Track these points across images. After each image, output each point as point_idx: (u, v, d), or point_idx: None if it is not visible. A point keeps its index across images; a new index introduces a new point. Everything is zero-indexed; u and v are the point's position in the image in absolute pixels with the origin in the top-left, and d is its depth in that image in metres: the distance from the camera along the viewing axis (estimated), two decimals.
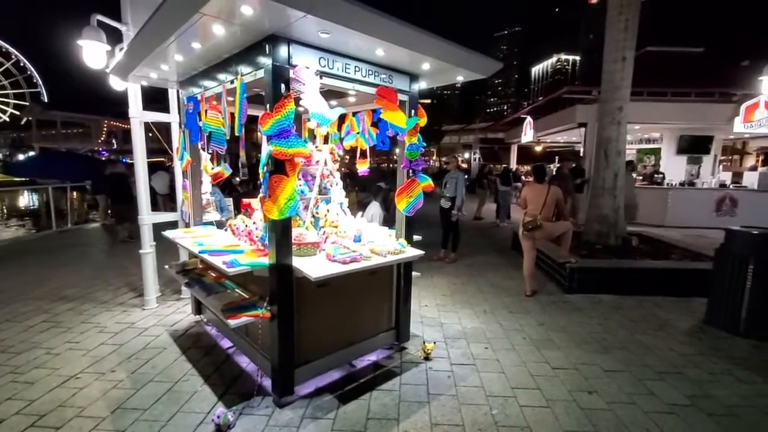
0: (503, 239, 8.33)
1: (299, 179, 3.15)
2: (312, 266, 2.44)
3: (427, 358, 3.24)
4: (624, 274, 4.94)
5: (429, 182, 3.12)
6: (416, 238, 3.38)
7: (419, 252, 2.98)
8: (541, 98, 14.35)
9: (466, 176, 20.39)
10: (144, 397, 2.70)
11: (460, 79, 3.04)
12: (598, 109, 5.92)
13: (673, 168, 12.44)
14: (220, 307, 2.57)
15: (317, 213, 3.02)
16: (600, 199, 5.94)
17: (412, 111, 3.05)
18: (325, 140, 3.63)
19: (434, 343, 3.42)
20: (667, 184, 11.42)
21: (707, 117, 11.15)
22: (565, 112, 11.27)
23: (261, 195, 2.30)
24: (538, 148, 17.57)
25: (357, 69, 2.68)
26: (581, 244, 5.92)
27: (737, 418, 2.56)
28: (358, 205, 7.37)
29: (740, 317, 3.80)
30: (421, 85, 3.23)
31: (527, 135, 12.61)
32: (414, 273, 3.47)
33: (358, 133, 3.45)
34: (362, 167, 3.55)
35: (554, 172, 11.22)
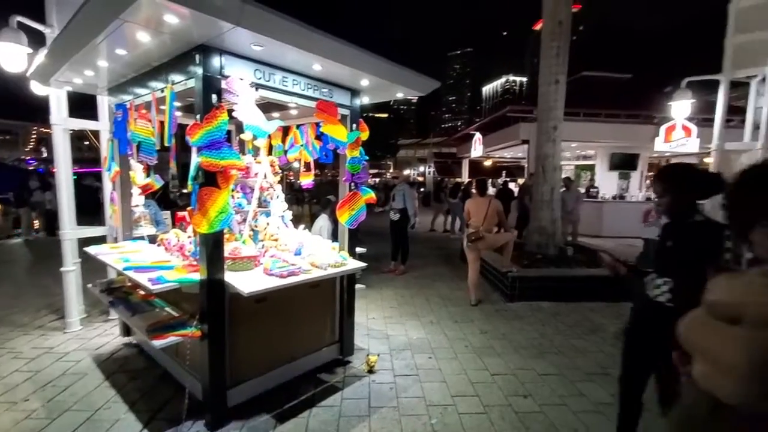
0: (452, 250, 8.56)
1: (237, 191, 3.07)
2: (246, 281, 2.37)
3: (371, 371, 3.23)
4: (561, 282, 5.25)
5: (371, 195, 3.16)
6: (360, 250, 3.40)
7: (361, 264, 2.99)
8: (486, 117, 15.16)
9: (422, 189, 20.82)
10: (60, 427, 2.46)
11: (399, 95, 3.14)
12: (536, 127, 6.33)
13: (607, 183, 13.50)
14: (145, 328, 2.42)
15: (256, 226, 2.95)
16: (539, 211, 6.30)
17: (354, 125, 3.09)
18: (269, 152, 3.58)
19: (378, 355, 3.42)
20: (602, 197, 12.35)
21: (634, 137, 12.26)
22: (509, 129, 11.95)
23: (189, 208, 2.22)
24: (488, 163, 18.44)
25: (296, 82, 2.69)
26: (523, 254, 6.22)
27: (649, 412, 2.77)
28: (311, 218, 7.30)
29: None
30: (363, 100, 3.29)
31: (477, 150, 13.22)
32: (361, 286, 3.48)
33: (301, 145, 3.44)
34: (306, 180, 3.53)
35: (501, 186, 11.78)
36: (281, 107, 3.26)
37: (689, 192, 1.81)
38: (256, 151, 3.35)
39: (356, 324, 3.67)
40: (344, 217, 3.11)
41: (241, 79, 2.31)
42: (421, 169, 29.27)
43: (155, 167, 3.02)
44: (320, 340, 3.18)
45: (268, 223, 3.03)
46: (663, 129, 12.13)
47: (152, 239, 3.47)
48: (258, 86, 2.44)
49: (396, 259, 6.59)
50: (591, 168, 14.65)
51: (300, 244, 2.96)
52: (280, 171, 3.40)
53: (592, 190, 12.07)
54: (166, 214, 4.18)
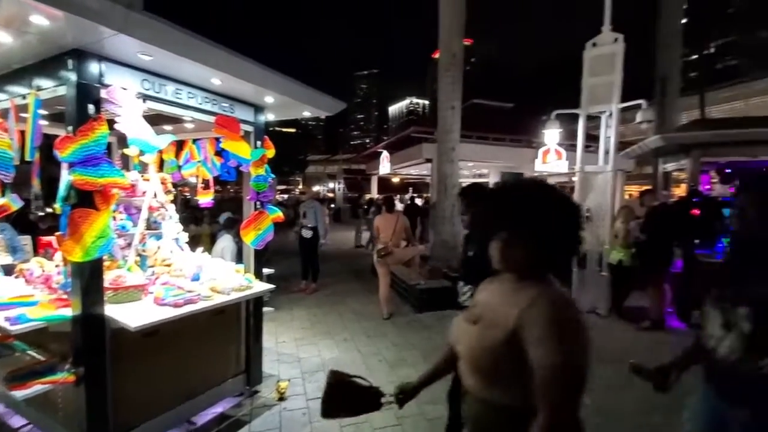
0: (364, 265, 8.68)
1: (120, 212, 2.72)
2: (133, 313, 2.10)
3: (281, 399, 3.08)
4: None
5: (279, 214, 3.07)
6: (267, 271, 3.26)
7: (269, 286, 2.86)
8: (393, 136, 15.97)
9: (332, 205, 20.73)
10: None
11: (306, 114, 3.14)
12: (437, 148, 6.83)
13: None
14: (2, 376, 1.99)
15: (144, 251, 2.64)
16: (441, 226, 6.76)
17: (258, 142, 3.00)
18: (160, 168, 3.26)
19: (289, 380, 3.28)
20: None
21: (518, 158, 13.96)
22: (414, 149, 12.70)
23: (58, 233, 1.91)
24: (396, 180, 19.29)
25: (191, 95, 2.52)
26: (429, 268, 6.58)
27: None
28: (211, 239, 6.76)
29: None
30: (269, 116, 3.22)
31: (384, 167, 13.79)
32: (269, 309, 3.31)
33: (199, 161, 3.21)
34: (205, 198, 3.29)
35: (408, 202, 12.37)
36: (175, 120, 3.01)
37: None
38: (143, 167, 3.02)
39: (265, 350, 3.47)
40: (250, 237, 2.96)
41: (125, 89, 2.09)
42: (331, 185, 29.30)
43: (11, 185, 2.53)
44: (224, 371, 2.94)
45: (159, 247, 2.73)
46: (540, 152, 14.04)
47: (8, 270, 2.88)
48: (146, 97, 2.23)
49: (307, 278, 6.44)
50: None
51: (198, 269, 2.73)
52: (174, 189, 3.12)
53: None
54: (26, 240, 3.49)
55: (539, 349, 0.90)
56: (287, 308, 5.42)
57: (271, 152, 3.03)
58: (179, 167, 3.27)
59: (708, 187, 5.10)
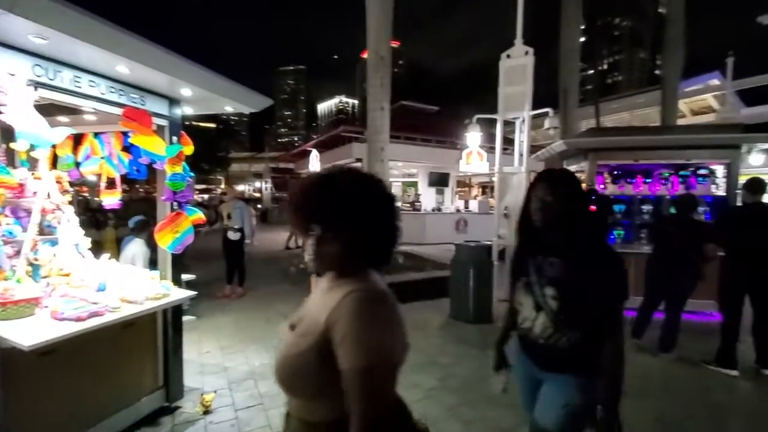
0: (295, 267, 8.47)
1: (7, 216, 2.33)
2: (26, 331, 1.82)
3: (207, 412, 2.88)
4: (395, 287, 5.72)
5: (199, 215, 2.86)
6: (187, 277, 3.02)
7: (189, 293, 2.66)
8: (322, 134, 15.81)
9: (258, 205, 19.84)
10: None
11: (229, 109, 2.97)
12: (367, 148, 6.89)
13: (427, 197, 15.69)
14: None
15: (37, 259, 2.29)
16: None
17: (174, 137, 2.76)
18: (53, 165, 2.85)
19: (215, 392, 3.09)
20: (424, 209, 14.27)
21: (445, 159, 14.68)
22: (344, 148, 12.71)
23: None
24: None
25: (93, 84, 2.24)
26: None
27: (470, 388, 3.32)
28: (118, 244, 6.07)
29: (469, 309, 5.02)
30: (186, 110, 2.98)
31: (314, 166, 13.54)
32: (190, 317, 3.08)
33: (102, 157, 2.86)
34: (110, 199, 2.94)
35: None
36: (72, 111, 2.65)
37: None
38: (33, 163, 2.61)
39: (187, 362, 3.23)
40: (166, 241, 2.72)
41: (12, 75, 1.80)
42: (258, 184, 27.97)
43: None
44: (139, 388, 2.67)
45: (54, 255, 2.39)
46: (464, 153, 14.88)
47: None
48: (38, 85, 1.94)
49: (232, 282, 6.10)
50: (415, 185, 16.78)
51: (104, 278, 2.44)
52: (71, 189, 2.75)
53: (417, 203, 13.82)
54: None
55: (341, 350, 0.84)
56: (210, 316, 5.07)
57: (189, 149, 2.81)
58: (77, 164, 2.89)
59: (603, 186, 5.82)
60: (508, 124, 6.22)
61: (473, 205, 16.13)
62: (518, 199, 5.91)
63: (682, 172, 5.60)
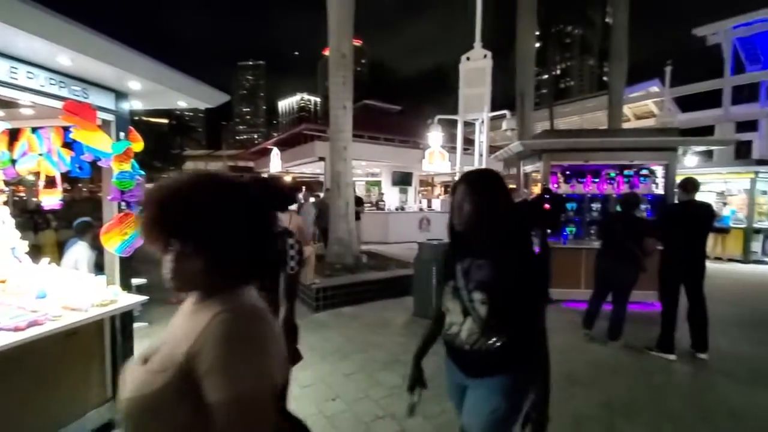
0: None
1: None
2: None
3: None
4: (359, 286, 5.79)
5: None
6: (138, 281, 2.85)
7: (140, 299, 2.51)
8: (284, 132, 15.50)
9: None
10: None
11: (182, 104, 2.83)
12: (329, 147, 6.83)
13: (391, 196, 15.78)
14: None
15: None
16: (337, 224, 6.79)
17: (121, 133, 2.59)
18: None
19: None
20: (387, 209, 14.35)
21: (408, 158, 14.81)
22: (306, 146, 12.50)
23: None
24: (288, 178, 18.62)
25: (31, 76, 2.06)
26: (325, 265, 6.56)
27: (433, 383, 3.35)
28: (59, 247, 5.62)
29: (432, 306, 5.10)
30: (135, 104, 2.81)
31: (275, 165, 13.26)
32: (142, 324, 2.91)
33: (41, 154, 2.63)
34: (50, 198, 2.71)
35: (302, 201, 12.06)
36: (8, 104, 2.42)
37: None
38: None
39: None
40: (113, 243, 2.54)
41: None
42: None
43: None
44: (85, 401, 2.48)
45: None
46: (426, 153, 15.07)
47: None
48: None
49: None
50: (378, 184, 16.82)
51: (44, 284, 2.25)
52: (6, 188, 2.51)
53: (380, 203, 13.85)
54: None
55: (207, 381, 0.74)
56: (164, 322, 4.79)
57: (138, 145, 2.65)
58: (13, 161, 2.64)
59: (556, 185, 6.12)
60: (469, 125, 6.39)
61: (436, 204, 16.42)
62: None
63: (626, 172, 6.00)
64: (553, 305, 5.73)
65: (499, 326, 1.36)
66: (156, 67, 2.36)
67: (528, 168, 7.08)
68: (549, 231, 5.85)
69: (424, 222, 13.74)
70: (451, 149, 10.41)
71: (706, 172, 10.19)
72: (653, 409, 3.02)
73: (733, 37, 20.37)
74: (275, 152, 13.14)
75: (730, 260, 9.33)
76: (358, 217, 10.33)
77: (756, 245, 9.24)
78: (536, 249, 5.99)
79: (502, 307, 1.34)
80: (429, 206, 16.58)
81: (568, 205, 6.09)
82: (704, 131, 19.90)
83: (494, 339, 1.36)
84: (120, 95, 2.60)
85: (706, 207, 4.12)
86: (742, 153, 18.40)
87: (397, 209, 14.61)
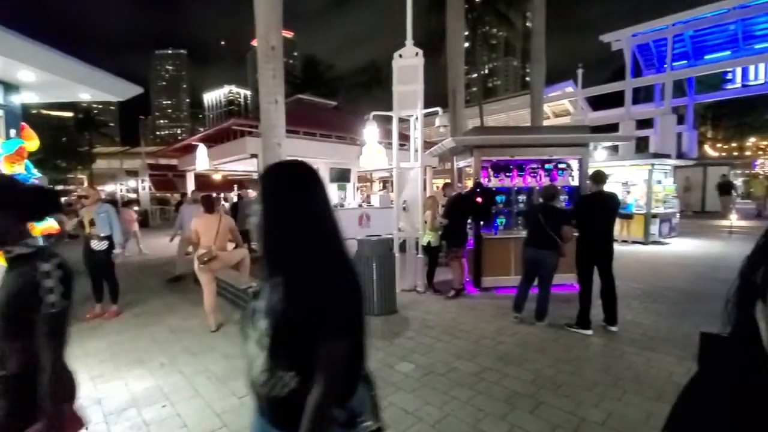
0: (185, 275, 7.66)
1: None
2: None
3: None
4: None
5: (51, 224, 2.37)
6: None
7: None
8: (211, 127, 14.51)
9: (136, 208, 17.51)
10: None
11: (86, 97, 2.52)
12: (261, 143, 6.53)
13: (330, 193, 15.56)
14: None
15: None
16: None
17: (12, 130, 2.24)
18: None
19: (86, 429, 2.62)
20: None
21: (345, 155, 14.67)
22: (237, 142, 11.81)
23: None
24: (218, 176, 17.45)
25: None
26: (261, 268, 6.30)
27: (375, 378, 3.39)
28: None
29: (374, 302, 5.13)
30: (30, 97, 2.44)
31: (202, 163, 12.36)
32: None
33: None
34: None
35: (233, 201, 11.46)
36: None
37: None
38: None
39: None
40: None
41: None
42: (132, 183, 24.26)
43: None
44: None
45: None
46: (364, 149, 15.01)
47: None
48: None
49: (102, 299, 5.25)
50: None
51: None
52: None
53: None
54: None
55: None
56: (78, 342, 4.30)
57: (33, 143, 2.31)
58: None
59: (487, 179, 6.46)
60: (405, 121, 6.49)
61: (375, 200, 16.54)
62: (415, 193, 6.23)
63: (546, 166, 6.52)
64: (486, 292, 6.08)
65: (285, 363, 1.02)
66: (51, 56, 2.07)
67: (461, 163, 7.41)
68: (482, 223, 6.18)
69: (363, 218, 13.78)
70: (389, 145, 10.54)
71: (612, 164, 11.42)
72: (573, 380, 3.33)
73: (632, 43, 23.05)
74: (201, 149, 12.25)
75: (634, 242, 10.59)
76: None
77: (654, 228, 10.59)
78: (470, 241, 6.32)
79: (284, 338, 1.02)
80: (368, 202, 16.66)
81: (498, 198, 6.47)
82: (611, 128, 22.35)
83: (284, 379, 1.01)
84: (9, 87, 2.24)
85: (614, 197, 4.64)
86: (642, 147, 20.97)
87: (336, 206, 14.48)
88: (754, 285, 0.59)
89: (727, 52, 21.71)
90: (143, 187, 21.18)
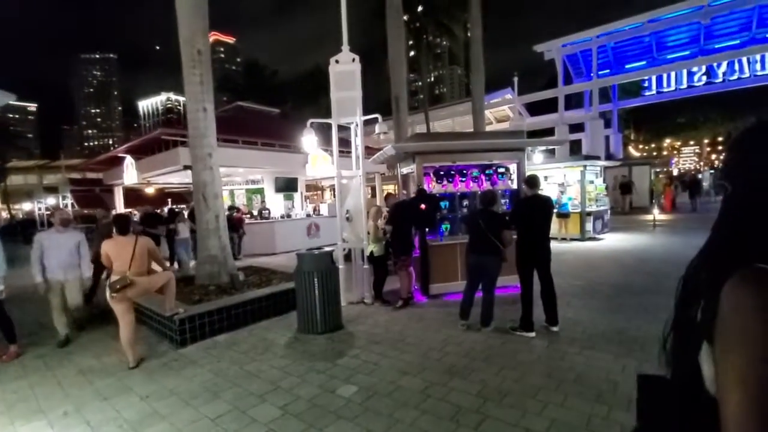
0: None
1: None
2: None
3: None
4: (235, 309, 5.20)
5: None
6: None
7: None
8: (138, 138, 13.31)
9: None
10: None
11: None
12: (190, 154, 6.03)
13: (275, 204, 14.98)
14: None
15: None
16: (207, 240, 6.04)
17: None
18: None
19: None
20: (273, 217, 13.56)
21: (290, 163, 14.17)
22: (168, 153, 10.97)
23: None
24: (151, 190, 16.06)
25: None
26: (195, 289, 5.78)
27: (317, 408, 3.14)
28: None
29: (317, 320, 4.84)
30: None
31: (131, 176, 11.31)
32: None
33: None
34: None
35: (167, 215, 10.58)
36: None
37: None
38: None
39: None
40: None
41: None
42: (51, 200, 21.75)
43: None
44: None
45: None
46: (309, 157, 14.59)
47: None
48: None
49: None
50: (261, 191, 15.83)
51: None
52: None
53: (264, 211, 12.98)
54: None
55: None
56: None
57: None
58: None
59: (430, 186, 6.43)
60: (346, 129, 6.31)
61: (324, 209, 16.16)
62: (359, 203, 6.04)
63: (487, 171, 6.62)
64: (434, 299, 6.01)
65: None
66: None
67: (404, 170, 7.34)
68: (427, 229, 6.12)
69: (312, 228, 13.38)
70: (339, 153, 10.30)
71: (549, 167, 12.02)
72: (518, 388, 3.28)
73: (562, 53, 24.68)
74: (129, 161, 11.24)
75: (572, 239, 11.16)
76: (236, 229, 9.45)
77: (589, 225, 11.23)
78: (416, 249, 6.23)
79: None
80: (317, 211, 16.23)
81: (442, 204, 6.46)
82: (548, 132, 23.71)
83: None
84: None
85: (548, 200, 4.74)
86: (575, 150, 22.41)
87: (282, 217, 13.93)
88: (693, 322, 0.55)
89: (644, 62, 23.91)
90: (64, 204, 19.06)
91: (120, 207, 14.96)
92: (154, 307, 4.98)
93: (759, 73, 19.66)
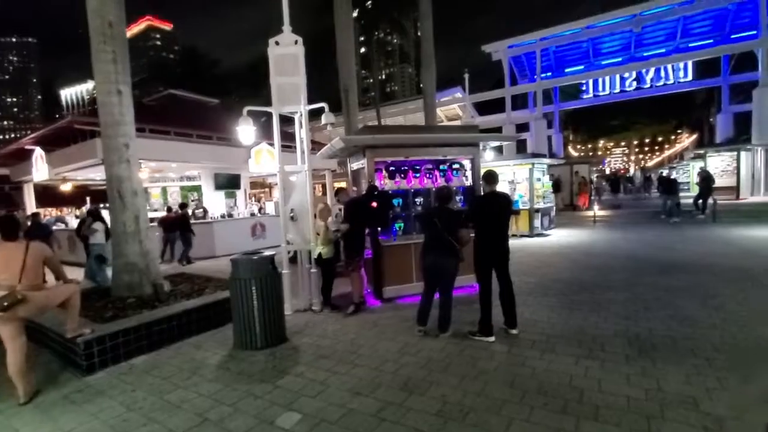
0: None
1: None
2: None
3: None
4: (159, 324, 4.47)
5: None
6: None
7: None
8: (45, 127, 11.56)
9: None
10: None
11: None
12: (102, 145, 5.13)
13: (215, 202, 13.84)
14: None
15: None
16: (124, 246, 5.19)
17: None
18: None
19: None
20: (211, 217, 12.48)
21: (232, 158, 13.13)
22: (84, 145, 9.58)
23: None
24: (66, 187, 14.01)
25: None
26: (111, 302, 4.94)
27: None
28: None
29: (256, 333, 4.26)
30: None
31: (41, 171, 9.72)
32: None
33: None
34: None
35: (85, 216, 9.27)
36: None
37: None
38: None
39: None
40: None
41: None
42: None
43: None
44: None
45: None
46: (253, 152, 13.66)
47: None
48: None
49: None
50: (198, 188, 14.59)
51: None
52: None
53: (197, 211, 11.89)
54: None
55: None
56: None
57: None
58: None
59: (382, 182, 6.02)
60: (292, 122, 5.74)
61: (270, 207, 15.26)
62: (305, 201, 5.48)
63: (441, 167, 6.35)
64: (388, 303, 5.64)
65: None
66: None
67: (354, 165, 6.87)
68: (379, 229, 5.72)
69: (257, 228, 12.51)
70: (284, 148, 9.58)
71: (499, 164, 12.12)
72: (481, 403, 2.98)
73: (508, 55, 25.48)
74: (39, 153, 9.71)
75: (522, 236, 11.35)
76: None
77: (537, 222, 11.49)
78: (368, 249, 5.81)
79: None
80: (261, 210, 15.29)
81: (395, 201, 6.09)
82: (496, 131, 24.40)
83: None
84: None
85: (506, 196, 4.52)
86: (521, 149, 23.25)
87: (223, 216, 12.90)
88: None
89: (582, 67, 25.33)
90: None
91: (32, 207, 13.01)
92: (56, 327, 4.12)
93: (682, 80, 21.54)
